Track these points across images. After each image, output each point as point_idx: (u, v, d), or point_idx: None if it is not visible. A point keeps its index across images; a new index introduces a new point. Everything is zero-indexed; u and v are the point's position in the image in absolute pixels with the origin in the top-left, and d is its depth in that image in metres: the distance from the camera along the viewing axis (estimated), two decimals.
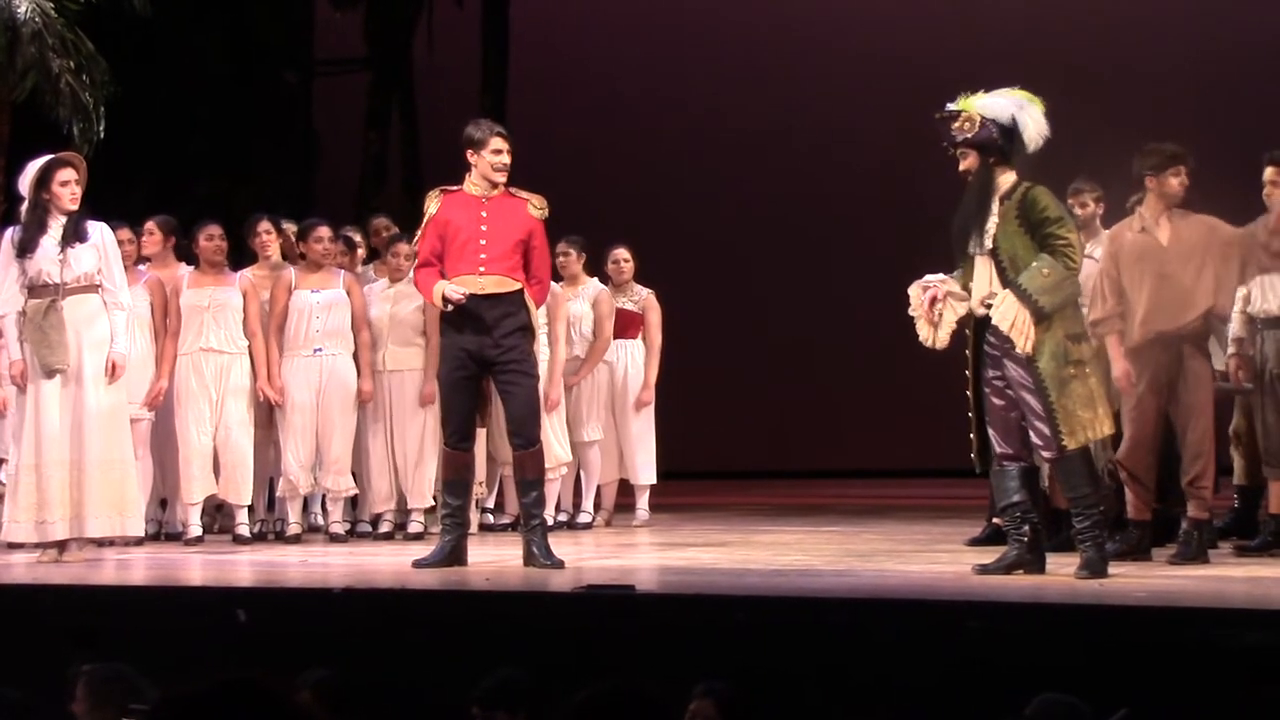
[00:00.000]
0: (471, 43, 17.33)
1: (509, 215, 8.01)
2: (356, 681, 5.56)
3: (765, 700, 5.62)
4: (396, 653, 6.31)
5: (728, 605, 6.45)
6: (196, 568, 8.60)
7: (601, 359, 10.57)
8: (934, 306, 7.30)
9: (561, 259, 10.46)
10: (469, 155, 8.06)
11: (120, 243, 8.92)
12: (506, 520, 10.23)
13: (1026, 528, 7.30)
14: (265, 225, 10.01)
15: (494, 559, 8.43)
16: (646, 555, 9.23)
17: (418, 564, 7.94)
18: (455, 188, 8.11)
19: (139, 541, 9.14)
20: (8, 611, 7.04)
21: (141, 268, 9.69)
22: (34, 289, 8.43)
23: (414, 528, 9.78)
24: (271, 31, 17.01)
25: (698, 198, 15.85)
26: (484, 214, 8.00)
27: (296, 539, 9.64)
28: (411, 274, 8.82)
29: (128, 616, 6.82)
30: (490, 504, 10.46)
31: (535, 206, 8.07)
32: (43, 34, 11.59)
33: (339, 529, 9.73)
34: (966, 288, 7.33)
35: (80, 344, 8.41)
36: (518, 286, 7.98)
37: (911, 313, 7.39)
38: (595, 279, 10.67)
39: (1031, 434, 7.23)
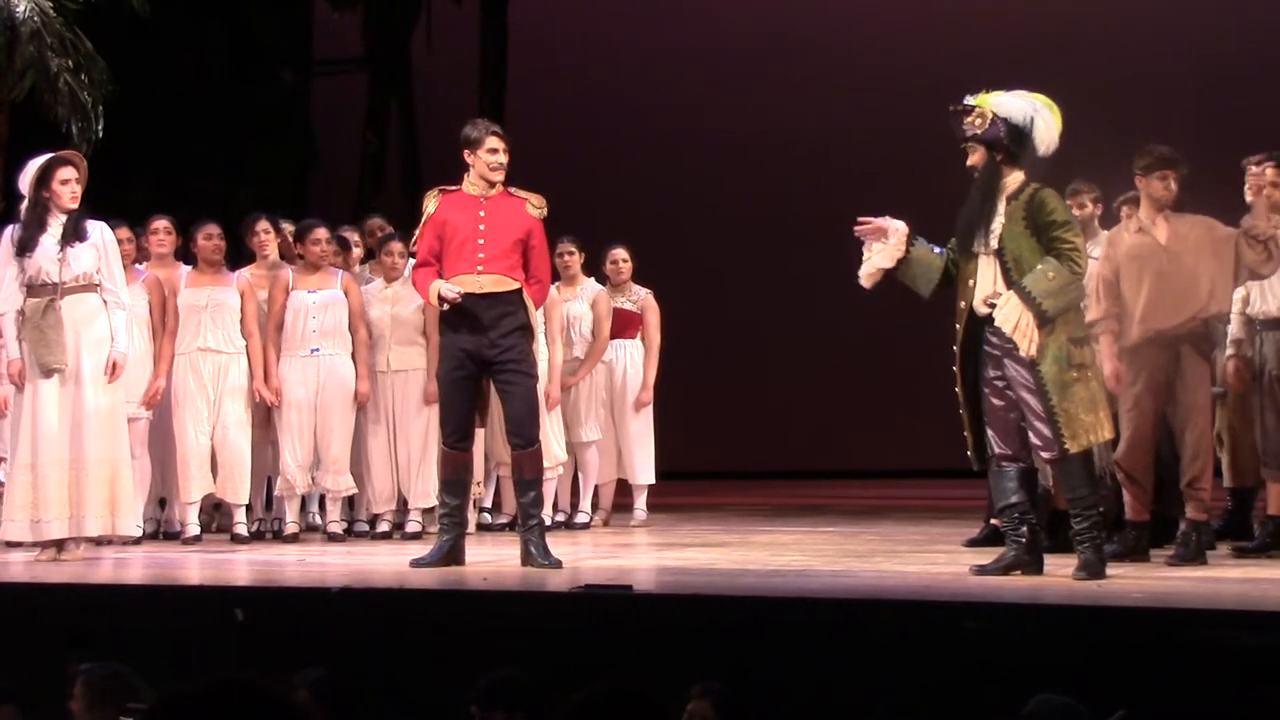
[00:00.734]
0: (470, 43, 17.34)
1: (508, 215, 8.01)
2: (354, 681, 5.56)
3: (762, 700, 5.62)
4: (394, 652, 6.31)
5: (725, 605, 6.45)
6: (194, 567, 8.60)
7: (600, 359, 10.57)
8: (871, 239, 7.42)
9: (566, 258, 10.47)
10: (466, 155, 8.06)
11: (119, 242, 8.91)
12: (504, 520, 10.23)
13: (1024, 529, 7.30)
14: (264, 225, 10.01)
15: (492, 559, 8.43)
16: (644, 555, 9.22)
17: (416, 563, 7.94)
18: (454, 187, 8.11)
19: (137, 541, 9.15)
20: (5, 611, 7.04)
21: (139, 267, 9.69)
22: (33, 288, 8.43)
23: (412, 527, 9.78)
24: (270, 31, 17.02)
25: (696, 198, 15.86)
26: (482, 213, 8.00)
27: (294, 538, 9.64)
28: (409, 274, 8.83)
29: (125, 615, 6.81)
30: (488, 504, 10.46)
31: (534, 206, 8.07)
32: (41, 33, 11.59)
33: (337, 528, 9.73)
34: (966, 284, 7.32)
35: (78, 343, 8.40)
36: (516, 286, 7.98)
37: (856, 230, 7.55)
38: (593, 279, 10.67)
39: (1031, 435, 7.23)
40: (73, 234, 8.42)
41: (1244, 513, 8.76)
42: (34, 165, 8.50)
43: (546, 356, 10.05)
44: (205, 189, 15.02)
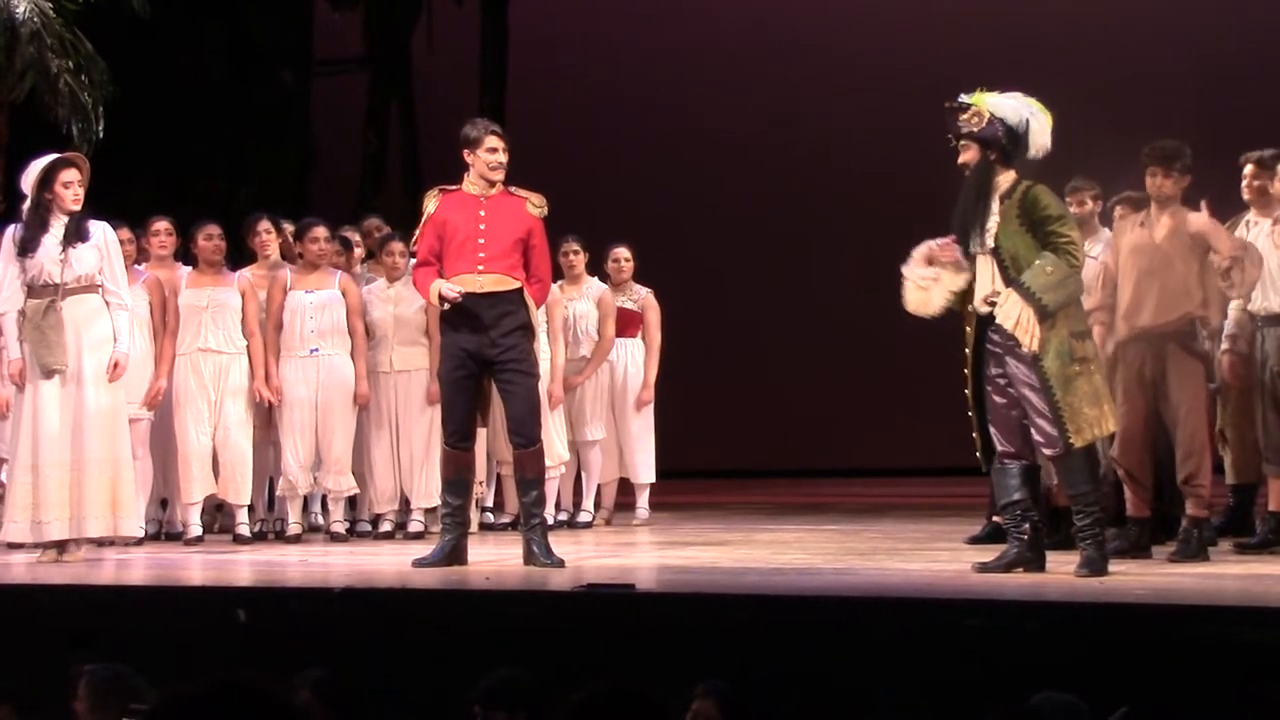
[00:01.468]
0: (470, 42, 17.34)
1: (508, 214, 8.01)
2: (357, 681, 5.56)
3: (764, 699, 5.62)
4: (397, 652, 6.31)
5: (727, 604, 6.45)
6: (196, 567, 8.60)
7: (606, 358, 10.57)
8: (928, 268, 7.27)
9: (570, 257, 10.48)
10: (466, 155, 8.06)
11: (120, 243, 8.90)
12: (506, 520, 10.23)
13: (1027, 526, 7.30)
14: (265, 225, 10.01)
15: (494, 558, 8.43)
16: (646, 554, 9.23)
17: (418, 563, 7.94)
18: (454, 187, 8.11)
19: (139, 541, 9.15)
20: (7, 612, 7.04)
21: (140, 267, 9.68)
22: (34, 289, 8.42)
23: (414, 527, 9.78)
24: (270, 31, 17.02)
25: (697, 197, 15.87)
26: (482, 213, 8.00)
27: (296, 539, 9.64)
28: (410, 274, 8.82)
29: (128, 616, 6.81)
30: (490, 503, 10.46)
31: (534, 205, 8.06)
32: (41, 34, 11.59)
33: (339, 528, 9.73)
34: (969, 284, 7.32)
35: (79, 344, 8.39)
36: (517, 285, 7.98)
37: (905, 272, 7.34)
38: (596, 278, 10.68)
39: (1033, 432, 7.23)
40: (75, 235, 8.42)
41: (1245, 509, 8.75)
42: (37, 166, 8.49)
43: (549, 356, 10.06)
44: (206, 189, 15.02)
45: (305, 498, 9.89)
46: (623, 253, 10.73)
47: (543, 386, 10.01)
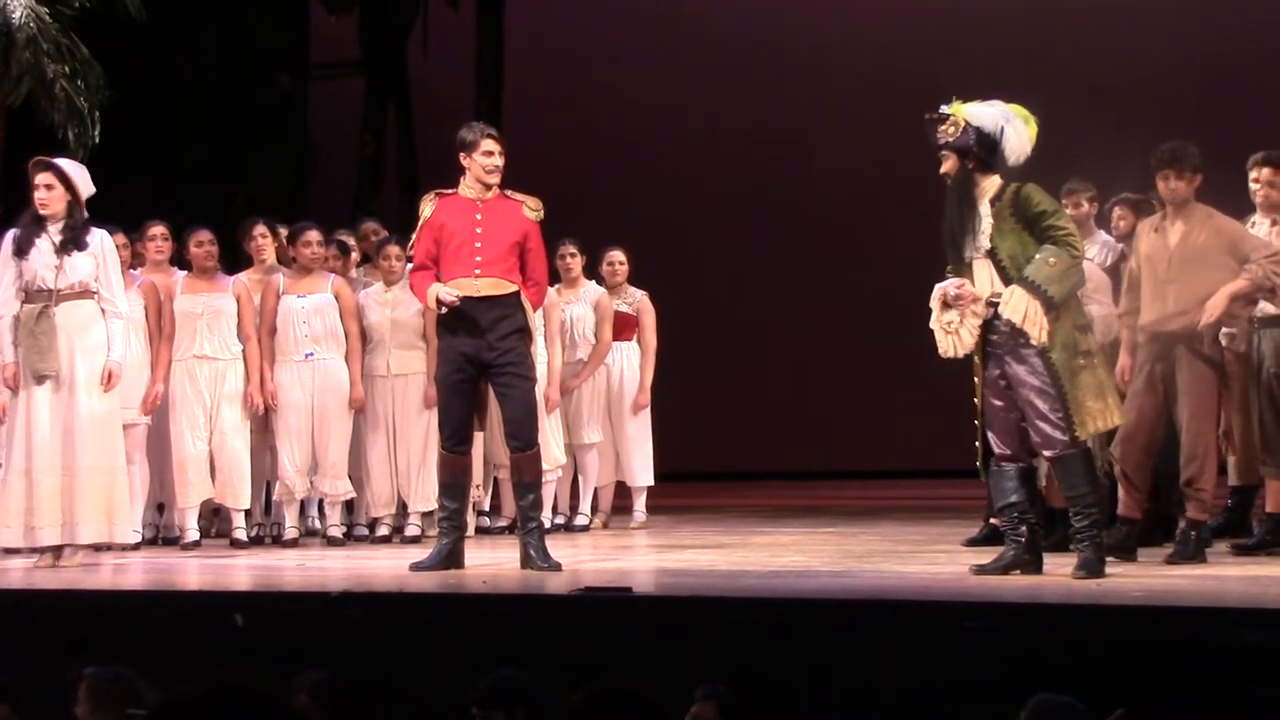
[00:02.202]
0: (466, 46, 17.35)
1: (504, 217, 8.01)
2: (355, 684, 5.55)
3: (762, 701, 5.62)
4: (394, 656, 6.31)
5: (725, 607, 6.45)
6: (194, 572, 8.60)
7: (602, 362, 10.57)
8: (946, 312, 7.28)
9: (567, 260, 10.48)
10: (462, 158, 8.06)
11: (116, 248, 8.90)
12: (503, 523, 10.23)
13: (1024, 528, 7.31)
14: (260, 229, 10.01)
15: (491, 562, 8.43)
16: (644, 557, 9.22)
17: (415, 567, 7.94)
18: (450, 190, 8.11)
19: (136, 546, 9.14)
20: (4, 617, 7.03)
21: (135, 272, 9.68)
22: (29, 293, 8.42)
23: (411, 531, 9.78)
24: (266, 35, 17.02)
25: (692, 200, 15.87)
26: (479, 216, 8.00)
27: (294, 543, 9.64)
28: (407, 277, 8.83)
29: (125, 621, 6.81)
30: (487, 507, 10.46)
31: (530, 208, 8.06)
32: (37, 39, 11.60)
33: (336, 532, 9.73)
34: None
35: (72, 350, 8.38)
36: (514, 289, 7.97)
37: (932, 325, 7.37)
38: (593, 282, 10.68)
39: (1031, 433, 7.24)
40: (70, 241, 8.42)
41: (1244, 510, 8.75)
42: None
43: (546, 359, 10.07)
44: (202, 193, 15.02)
45: (302, 502, 9.89)
46: (617, 256, 10.73)
47: (540, 389, 10.07)
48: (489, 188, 8.02)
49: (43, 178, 8.47)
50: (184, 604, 7.34)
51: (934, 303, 7.32)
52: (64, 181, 8.48)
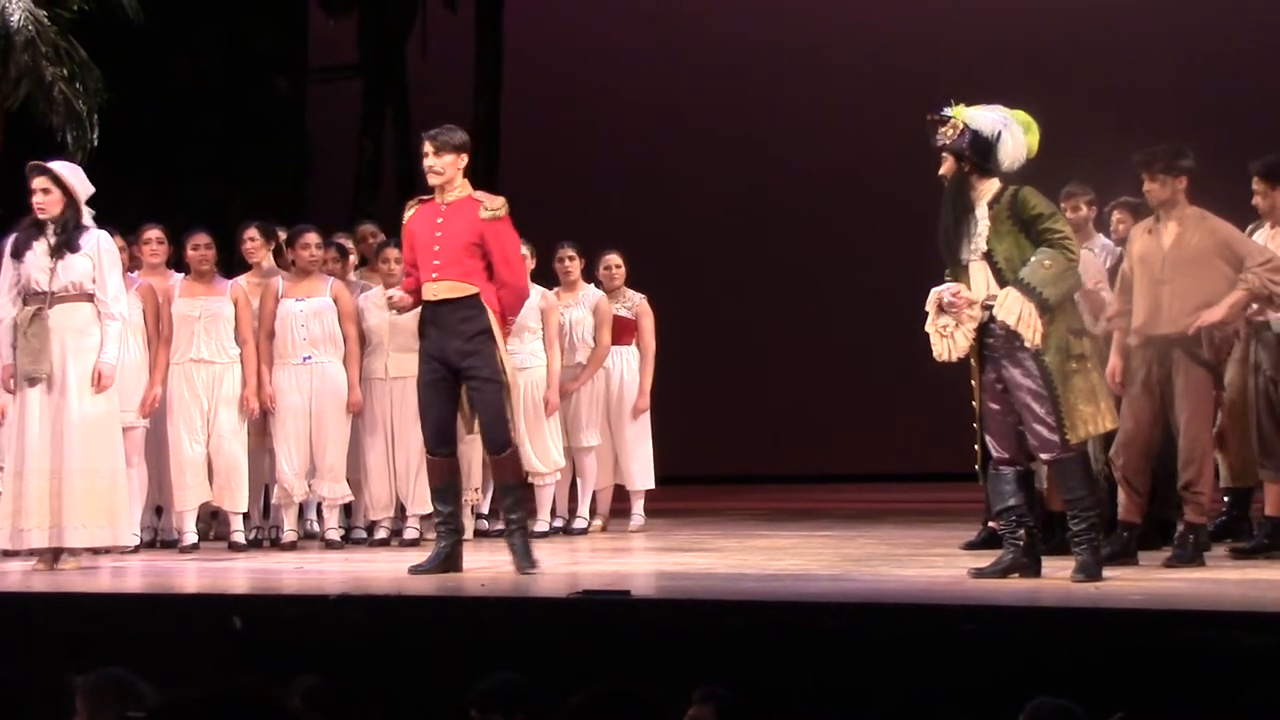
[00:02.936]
0: (465, 48, 17.35)
1: (461, 219, 7.92)
2: (353, 687, 5.55)
3: (760, 704, 5.62)
4: (393, 659, 6.31)
5: (723, 610, 6.45)
6: (192, 575, 8.60)
7: (602, 365, 10.56)
8: (941, 316, 7.28)
9: (566, 263, 10.47)
10: None
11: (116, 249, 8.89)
12: (501, 526, 10.21)
13: (1022, 531, 7.31)
14: (251, 232, 10.01)
15: (489, 564, 8.42)
16: (642, 560, 9.22)
17: (413, 570, 7.93)
18: (429, 197, 8.10)
19: (134, 549, 9.14)
20: (2, 620, 7.03)
21: (133, 275, 9.67)
22: (26, 295, 8.43)
23: (410, 534, 9.78)
24: (265, 38, 17.02)
25: (690, 203, 15.87)
26: (439, 220, 7.97)
27: (292, 546, 9.64)
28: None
29: (123, 624, 6.80)
30: (484, 509, 10.45)
31: (486, 208, 7.90)
32: (36, 42, 11.60)
33: (334, 535, 9.73)
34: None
35: (65, 352, 8.36)
36: (473, 291, 7.87)
37: (927, 328, 7.37)
38: (592, 285, 10.67)
39: (1029, 436, 7.24)
40: (64, 244, 8.40)
41: (1242, 513, 8.75)
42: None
43: (545, 363, 10.08)
44: (201, 196, 15.02)
45: (300, 505, 9.89)
46: (614, 259, 10.72)
47: (539, 393, 10.08)
48: (446, 190, 7.98)
49: (38, 182, 8.47)
50: (182, 607, 7.34)
51: (929, 306, 7.33)
52: (59, 185, 8.47)
